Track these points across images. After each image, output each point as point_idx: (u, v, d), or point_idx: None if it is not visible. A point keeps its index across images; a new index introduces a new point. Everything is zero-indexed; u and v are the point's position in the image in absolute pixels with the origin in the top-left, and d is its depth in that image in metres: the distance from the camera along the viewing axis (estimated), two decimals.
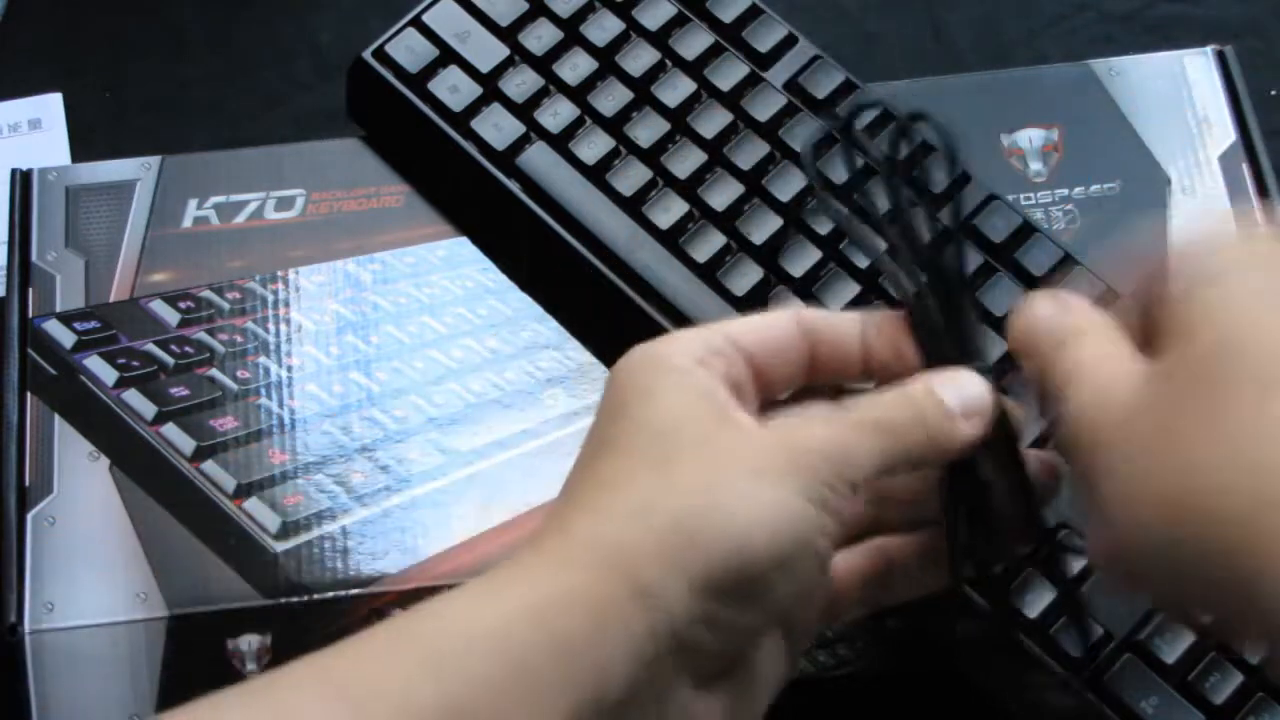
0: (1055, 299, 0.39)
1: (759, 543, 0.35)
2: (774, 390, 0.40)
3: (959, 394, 0.39)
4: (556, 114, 0.55)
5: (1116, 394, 0.36)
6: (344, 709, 0.31)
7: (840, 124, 0.39)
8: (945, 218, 0.40)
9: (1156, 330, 0.36)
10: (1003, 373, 0.42)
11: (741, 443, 0.37)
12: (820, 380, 0.41)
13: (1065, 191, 0.56)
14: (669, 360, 0.38)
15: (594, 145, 0.54)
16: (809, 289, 0.52)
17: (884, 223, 0.40)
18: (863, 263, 0.51)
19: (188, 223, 0.55)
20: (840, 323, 0.40)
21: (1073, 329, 0.38)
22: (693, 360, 0.38)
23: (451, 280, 0.55)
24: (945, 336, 0.39)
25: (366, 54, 0.56)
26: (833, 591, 0.40)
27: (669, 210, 0.53)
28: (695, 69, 0.55)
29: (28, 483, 0.50)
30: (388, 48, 0.56)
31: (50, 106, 0.62)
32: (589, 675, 0.33)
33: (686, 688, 0.35)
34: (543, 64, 0.55)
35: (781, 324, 0.40)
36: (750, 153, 0.53)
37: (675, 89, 0.55)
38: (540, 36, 0.56)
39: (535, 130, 0.55)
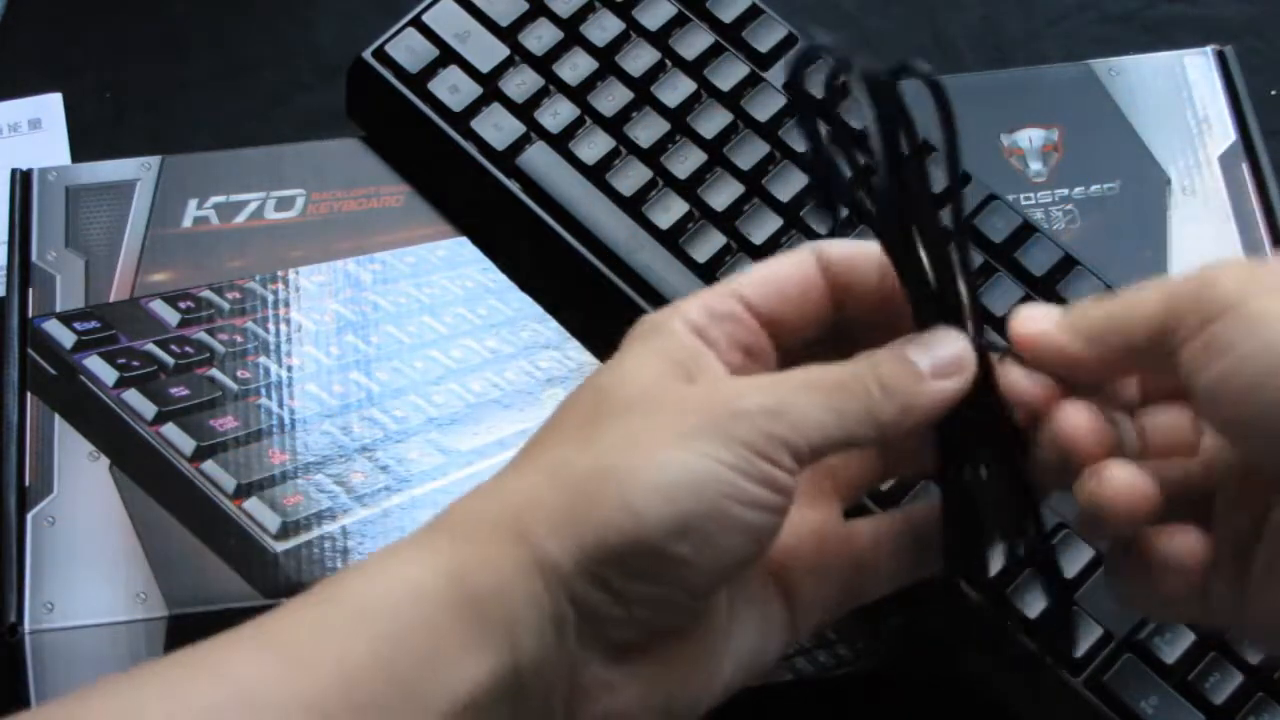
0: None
1: (655, 508, 0.33)
2: (798, 334, 0.38)
3: (930, 353, 0.36)
4: (556, 114, 0.55)
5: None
6: (279, 667, 0.32)
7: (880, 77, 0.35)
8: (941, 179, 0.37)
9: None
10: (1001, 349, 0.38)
11: (671, 402, 0.35)
12: (849, 316, 0.39)
13: (1065, 191, 0.56)
14: (661, 324, 0.37)
15: (594, 145, 0.54)
16: None
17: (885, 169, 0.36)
18: None
19: (188, 223, 0.55)
20: (860, 256, 0.38)
21: None
22: (686, 326, 0.36)
23: (451, 280, 0.55)
24: (932, 294, 0.36)
25: (366, 54, 0.56)
26: (855, 564, 0.38)
27: (669, 210, 0.53)
28: (695, 69, 0.55)
29: (28, 483, 0.50)
30: (388, 48, 0.56)
31: (50, 106, 0.62)
32: (502, 636, 0.33)
33: (599, 656, 0.35)
34: (543, 64, 0.55)
35: (799, 264, 0.38)
36: (750, 153, 0.54)
37: (675, 89, 0.55)
38: (540, 36, 0.56)
39: (535, 130, 0.55)
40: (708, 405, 0.34)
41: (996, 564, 0.39)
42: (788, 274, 0.38)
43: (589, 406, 0.36)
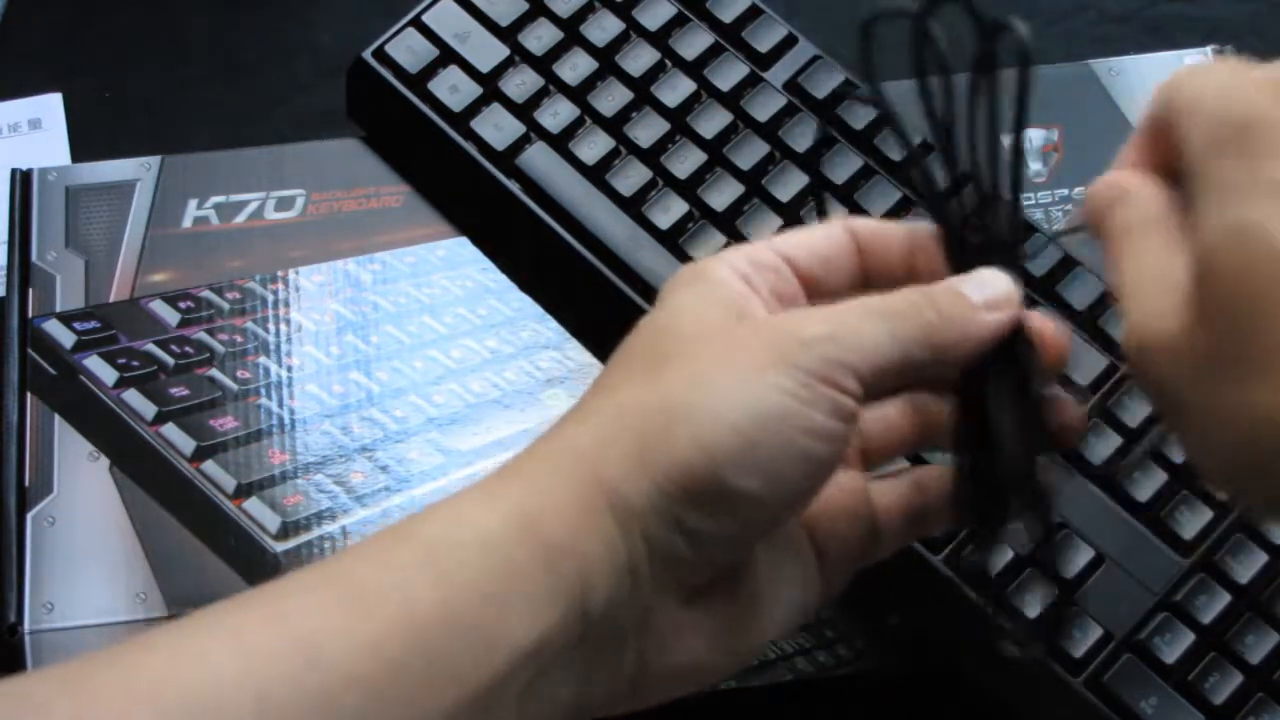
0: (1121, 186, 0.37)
1: (725, 443, 0.33)
2: (829, 298, 0.39)
3: (981, 287, 0.37)
4: (556, 114, 0.55)
5: (1166, 315, 0.34)
6: (343, 612, 0.31)
7: (918, 16, 0.36)
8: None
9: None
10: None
11: (735, 338, 0.35)
12: (872, 289, 0.39)
13: (1065, 191, 0.56)
14: (708, 272, 0.37)
15: (594, 145, 0.54)
16: None
17: (939, 131, 0.38)
18: None
19: (188, 223, 0.55)
20: (886, 232, 0.39)
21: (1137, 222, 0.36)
22: (733, 273, 0.37)
23: (451, 280, 0.55)
24: (976, 254, 0.38)
25: (366, 54, 0.56)
26: (872, 524, 0.39)
27: (669, 210, 0.53)
28: (695, 69, 0.55)
29: (28, 483, 0.50)
30: (388, 48, 0.56)
31: (50, 106, 0.62)
32: (573, 584, 0.33)
33: (671, 600, 0.35)
34: (543, 64, 0.55)
35: (832, 233, 0.39)
36: (750, 153, 0.54)
37: (675, 89, 0.55)
38: (540, 36, 0.56)
39: (535, 130, 0.55)
40: (769, 337, 0.35)
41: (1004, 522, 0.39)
42: (823, 239, 0.39)
43: (647, 349, 0.36)
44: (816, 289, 0.39)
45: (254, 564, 0.49)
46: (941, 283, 0.37)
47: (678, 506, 0.33)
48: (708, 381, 0.34)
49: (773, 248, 0.38)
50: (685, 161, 0.54)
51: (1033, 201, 0.56)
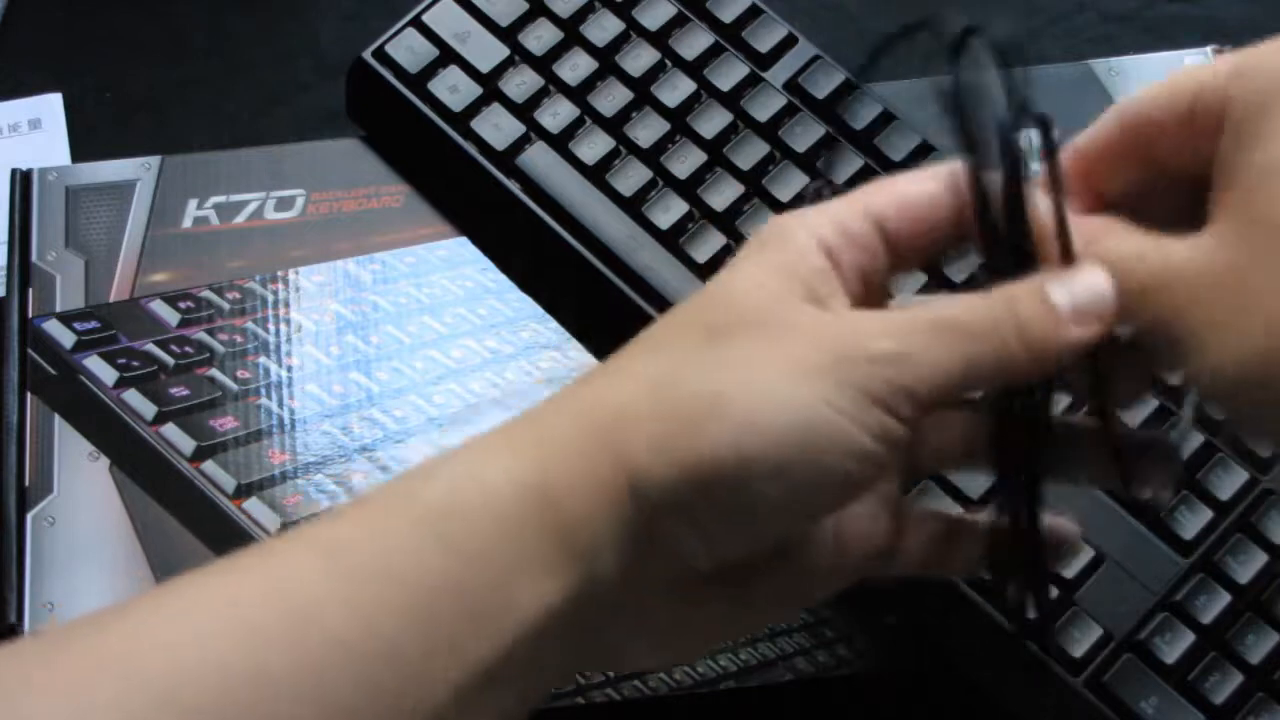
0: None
1: (762, 447, 0.31)
2: (916, 259, 0.36)
3: (1072, 292, 0.33)
4: (556, 114, 0.55)
5: (1174, 250, 0.32)
6: (340, 580, 0.31)
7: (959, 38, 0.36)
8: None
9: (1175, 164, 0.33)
10: None
11: (792, 332, 0.32)
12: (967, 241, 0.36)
13: None
14: (789, 233, 0.34)
15: (594, 145, 0.54)
16: None
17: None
18: None
19: (188, 223, 0.55)
20: None
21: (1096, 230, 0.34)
22: (815, 241, 0.34)
23: (451, 280, 0.55)
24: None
25: (366, 54, 0.56)
26: (895, 539, 0.37)
27: (669, 210, 0.53)
28: (695, 69, 0.55)
29: (28, 483, 0.50)
30: (388, 48, 0.56)
31: (50, 106, 0.62)
32: (586, 556, 0.32)
33: (670, 583, 0.34)
34: (543, 64, 0.55)
35: (934, 190, 0.35)
36: (750, 153, 0.54)
37: (675, 89, 0.55)
38: (540, 36, 0.56)
39: (535, 130, 0.55)
40: (831, 343, 0.32)
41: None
42: (924, 202, 0.35)
43: (703, 316, 0.34)
44: (904, 252, 0.36)
45: None
46: (1028, 285, 0.33)
47: (696, 499, 0.32)
48: (756, 377, 0.32)
49: (868, 212, 0.35)
50: (685, 161, 0.54)
51: None
